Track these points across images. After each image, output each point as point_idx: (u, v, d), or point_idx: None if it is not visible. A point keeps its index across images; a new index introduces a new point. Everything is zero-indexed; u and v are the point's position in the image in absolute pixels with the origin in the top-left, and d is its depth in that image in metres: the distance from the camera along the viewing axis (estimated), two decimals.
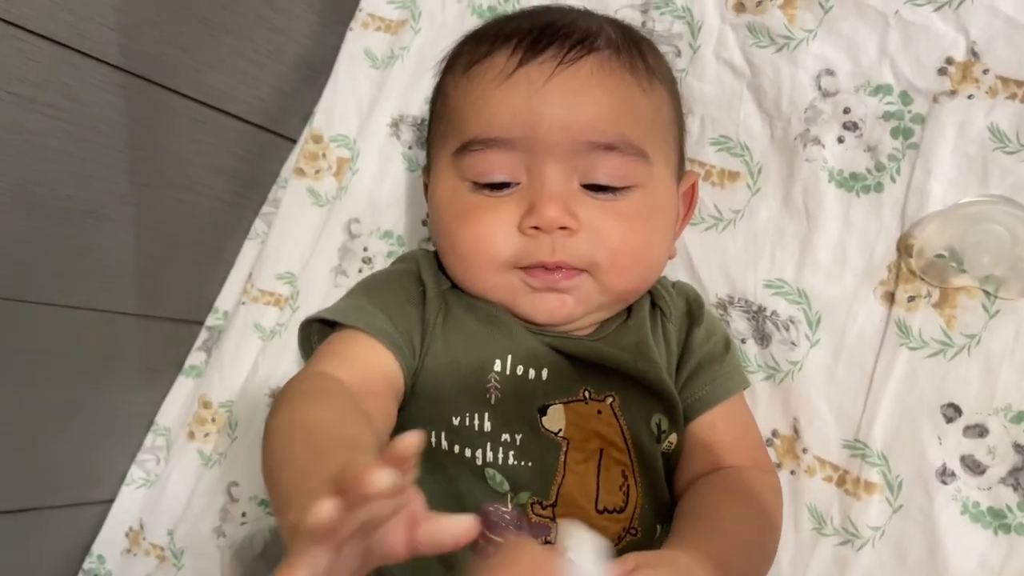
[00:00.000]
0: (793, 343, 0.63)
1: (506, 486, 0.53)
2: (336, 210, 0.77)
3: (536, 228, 0.54)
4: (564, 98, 0.54)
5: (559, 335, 0.57)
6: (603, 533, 0.51)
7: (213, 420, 0.77)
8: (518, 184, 0.55)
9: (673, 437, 0.58)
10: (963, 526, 0.56)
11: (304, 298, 0.76)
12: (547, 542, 0.51)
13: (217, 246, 0.81)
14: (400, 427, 0.55)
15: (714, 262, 0.67)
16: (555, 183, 0.54)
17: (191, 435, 0.77)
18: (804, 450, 0.61)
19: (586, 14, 0.61)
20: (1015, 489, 0.55)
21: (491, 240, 0.55)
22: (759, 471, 0.59)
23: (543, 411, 0.54)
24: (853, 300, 0.62)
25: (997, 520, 0.56)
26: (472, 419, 0.54)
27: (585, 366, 0.56)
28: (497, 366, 0.55)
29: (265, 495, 0.73)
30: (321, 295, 0.76)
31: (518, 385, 0.55)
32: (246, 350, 0.77)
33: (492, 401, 0.54)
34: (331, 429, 0.44)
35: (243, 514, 0.74)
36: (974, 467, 0.57)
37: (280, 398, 0.49)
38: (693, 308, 0.62)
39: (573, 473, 0.53)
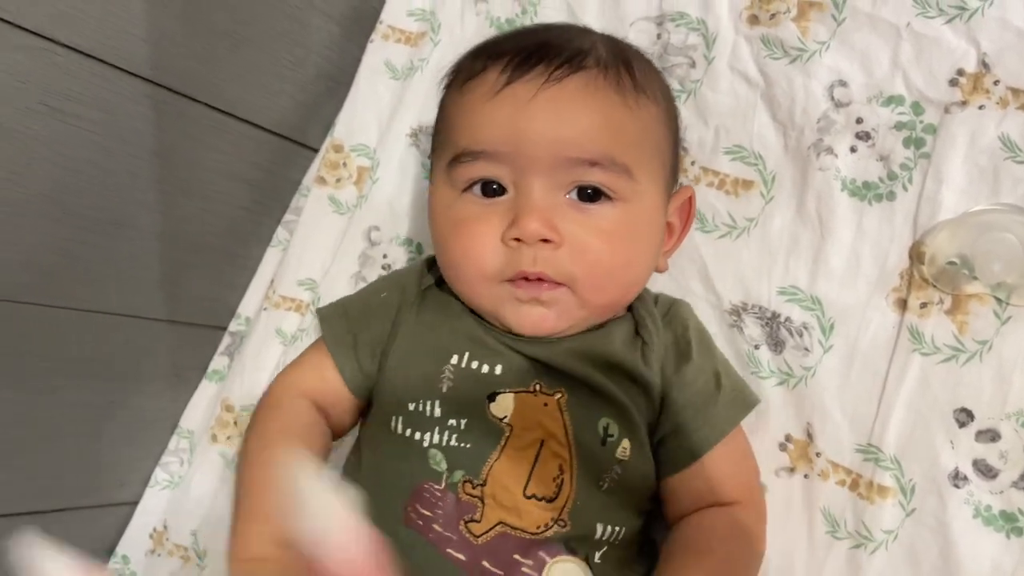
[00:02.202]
0: (807, 349, 0.64)
1: (444, 465, 0.55)
2: (356, 218, 0.79)
3: (518, 240, 0.55)
4: (547, 115, 0.55)
5: (516, 336, 0.59)
6: (528, 517, 0.54)
7: (235, 423, 0.78)
8: (507, 193, 0.57)
9: (626, 443, 0.58)
10: (975, 530, 0.56)
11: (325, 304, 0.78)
12: (472, 520, 0.54)
13: (240, 253, 0.82)
14: (373, 412, 0.62)
15: (728, 269, 0.68)
16: (538, 196, 0.56)
17: (214, 438, 0.79)
18: (818, 454, 0.62)
19: (584, 32, 0.62)
20: None
21: (479, 253, 0.57)
22: (745, 508, 0.60)
23: (492, 398, 0.56)
24: (866, 307, 0.62)
25: (1009, 524, 0.56)
26: (424, 405, 0.57)
27: (540, 364, 0.58)
28: (454, 360, 0.58)
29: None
30: None
31: (470, 376, 0.57)
32: (268, 355, 0.78)
33: (444, 390, 0.57)
34: (266, 472, 0.57)
35: None
36: (986, 471, 0.57)
37: (251, 421, 0.63)
38: (681, 344, 0.62)
39: (508, 457, 0.55)
